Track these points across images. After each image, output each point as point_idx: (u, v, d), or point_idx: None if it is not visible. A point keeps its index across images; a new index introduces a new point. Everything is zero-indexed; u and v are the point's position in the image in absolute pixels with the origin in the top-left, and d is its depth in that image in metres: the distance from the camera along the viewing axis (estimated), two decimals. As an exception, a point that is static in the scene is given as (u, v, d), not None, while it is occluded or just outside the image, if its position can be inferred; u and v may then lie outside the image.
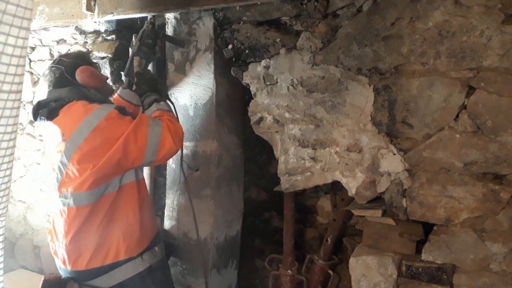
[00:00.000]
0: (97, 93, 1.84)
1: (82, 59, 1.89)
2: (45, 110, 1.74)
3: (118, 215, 1.72)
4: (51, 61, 1.86)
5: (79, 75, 1.78)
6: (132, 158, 1.68)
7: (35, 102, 1.82)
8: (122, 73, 2.02)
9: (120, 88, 1.99)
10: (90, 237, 1.68)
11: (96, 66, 1.93)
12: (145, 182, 1.95)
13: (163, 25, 2.37)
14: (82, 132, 1.64)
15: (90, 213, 1.66)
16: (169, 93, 2.38)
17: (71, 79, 1.78)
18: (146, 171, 2.38)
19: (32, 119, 1.83)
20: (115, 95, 1.98)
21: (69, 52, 2.10)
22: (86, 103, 1.73)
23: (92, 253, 1.69)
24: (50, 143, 1.76)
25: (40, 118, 1.75)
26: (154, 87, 1.99)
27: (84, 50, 2.59)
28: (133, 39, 2.09)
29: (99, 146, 1.63)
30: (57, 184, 1.69)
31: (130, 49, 2.10)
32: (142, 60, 2.01)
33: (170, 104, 2.04)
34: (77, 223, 1.67)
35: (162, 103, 1.92)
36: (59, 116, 1.73)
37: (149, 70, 2.07)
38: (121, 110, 1.74)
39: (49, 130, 1.77)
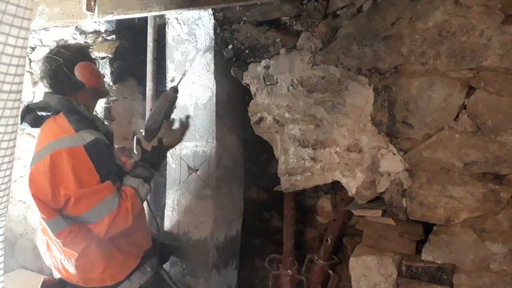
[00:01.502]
0: (85, 110, 1.66)
1: (83, 53, 1.71)
2: (31, 116, 1.62)
3: (95, 242, 1.60)
4: (48, 51, 1.69)
5: (79, 71, 1.62)
6: (66, 211, 1.53)
7: (24, 105, 1.66)
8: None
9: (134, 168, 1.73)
10: (76, 261, 1.61)
11: (95, 63, 1.78)
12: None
13: (163, 25, 2.37)
14: (40, 154, 1.52)
15: (68, 237, 1.57)
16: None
17: (69, 74, 1.62)
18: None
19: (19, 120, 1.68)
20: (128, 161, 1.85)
21: (68, 43, 1.93)
22: (68, 124, 1.56)
23: (80, 276, 1.63)
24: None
25: (24, 124, 1.63)
26: (158, 166, 1.80)
27: (83, 43, 2.55)
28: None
29: (44, 172, 1.48)
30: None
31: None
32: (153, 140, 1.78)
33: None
34: (61, 247, 1.61)
35: (146, 185, 1.69)
36: (42, 126, 1.62)
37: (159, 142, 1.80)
38: (90, 151, 1.52)
39: (35, 136, 1.67)
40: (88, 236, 1.58)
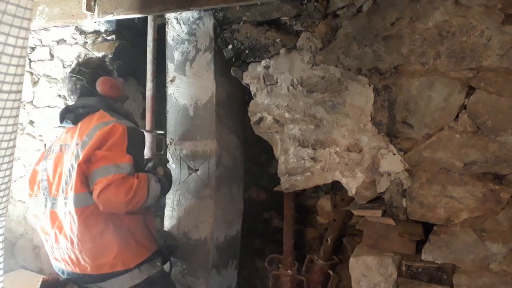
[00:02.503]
0: (122, 106, 1.95)
1: (101, 68, 1.94)
2: (72, 114, 1.83)
3: (113, 226, 1.71)
4: (70, 70, 1.94)
5: (100, 86, 1.86)
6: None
7: (63, 107, 1.92)
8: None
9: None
10: (89, 244, 1.68)
11: (113, 73, 1.98)
12: None
13: (163, 25, 2.37)
14: (90, 135, 1.70)
15: (89, 217, 1.67)
16: (169, 93, 2.39)
17: (92, 90, 1.87)
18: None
19: (58, 122, 1.90)
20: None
21: (87, 59, 2.08)
22: (109, 116, 1.79)
23: (91, 261, 1.69)
24: (66, 145, 1.80)
25: (67, 122, 1.85)
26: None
27: (100, 57, 2.60)
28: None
29: (98, 140, 1.66)
30: (65, 186, 1.70)
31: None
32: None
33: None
34: (78, 226, 1.67)
35: (158, 184, 1.80)
36: (82, 121, 1.81)
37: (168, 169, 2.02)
38: (130, 132, 1.73)
39: (67, 133, 1.84)
40: (108, 219, 1.69)
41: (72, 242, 1.70)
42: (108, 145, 1.67)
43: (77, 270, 1.73)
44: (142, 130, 1.97)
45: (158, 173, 1.88)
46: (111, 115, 1.80)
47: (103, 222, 1.69)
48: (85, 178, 1.66)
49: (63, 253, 1.75)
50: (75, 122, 1.83)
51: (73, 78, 1.89)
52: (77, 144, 1.72)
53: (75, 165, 1.66)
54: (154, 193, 1.75)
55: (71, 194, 1.66)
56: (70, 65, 2.77)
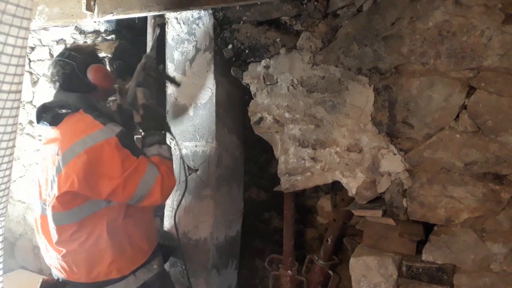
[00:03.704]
0: (105, 105, 1.79)
1: (94, 56, 1.79)
2: (49, 114, 1.64)
3: (108, 234, 1.62)
4: (58, 54, 1.74)
5: (92, 73, 1.69)
6: (115, 197, 1.60)
7: (39, 103, 1.71)
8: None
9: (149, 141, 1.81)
10: (81, 255, 1.62)
11: (104, 63, 1.86)
12: None
13: (163, 25, 2.37)
14: (74, 151, 1.54)
15: (77, 231, 1.59)
16: (169, 93, 2.38)
17: (82, 77, 1.68)
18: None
19: (35, 120, 1.75)
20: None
21: (77, 45, 1.97)
22: (92, 119, 1.61)
23: (85, 270, 1.63)
24: (47, 152, 1.66)
25: (43, 122, 1.66)
26: (160, 124, 1.86)
27: (90, 44, 2.54)
28: (138, 68, 1.94)
29: (83, 169, 1.51)
30: (49, 198, 1.61)
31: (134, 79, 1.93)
32: (146, 91, 1.85)
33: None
34: (65, 240, 1.61)
35: (164, 146, 1.79)
36: (62, 123, 1.63)
37: (156, 103, 1.89)
38: (122, 140, 1.60)
39: (48, 135, 1.68)
40: (101, 226, 1.61)
41: (61, 253, 1.63)
42: (120, 166, 1.55)
43: (71, 279, 1.68)
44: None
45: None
46: (94, 116, 1.62)
47: (96, 231, 1.61)
48: (71, 197, 1.54)
49: (54, 261, 1.69)
50: (52, 123, 1.64)
51: (61, 62, 1.67)
52: (57, 154, 1.57)
53: (56, 178, 1.55)
54: (170, 153, 1.81)
55: (49, 211, 1.58)
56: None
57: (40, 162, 1.76)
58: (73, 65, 1.67)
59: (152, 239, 1.85)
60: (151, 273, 1.78)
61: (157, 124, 1.84)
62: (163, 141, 1.81)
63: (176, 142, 2.11)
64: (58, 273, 1.73)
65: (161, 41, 2.05)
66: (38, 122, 1.69)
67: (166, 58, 2.39)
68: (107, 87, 1.77)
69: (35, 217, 1.76)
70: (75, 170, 1.51)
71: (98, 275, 1.65)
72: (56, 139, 1.62)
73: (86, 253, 1.62)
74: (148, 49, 2.20)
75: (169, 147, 1.84)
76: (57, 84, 1.71)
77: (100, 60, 1.83)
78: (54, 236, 1.62)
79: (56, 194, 1.55)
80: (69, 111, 1.64)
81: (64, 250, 1.62)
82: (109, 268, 1.64)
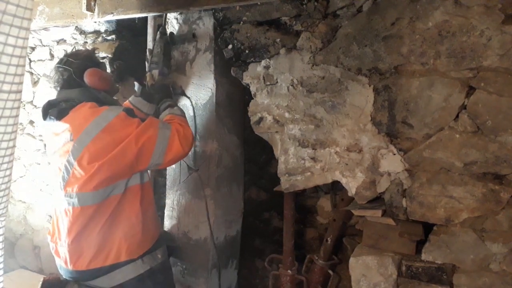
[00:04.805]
0: (107, 95, 1.87)
1: (90, 60, 1.89)
2: (55, 109, 1.75)
3: (122, 217, 1.73)
4: (58, 61, 1.86)
5: (88, 77, 1.80)
6: (138, 159, 1.69)
7: (44, 102, 1.81)
8: (136, 83, 2.10)
9: (133, 96, 2.06)
10: (93, 237, 1.69)
11: (103, 66, 1.94)
12: (150, 185, 1.94)
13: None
14: (90, 133, 1.65)
15: (94, 213, 1.67)
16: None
17: (80, 81, 1.80)
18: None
19: (40, 119, 1.84)
20: (127, 101, 2.05)
21: (75, 51, 2.09)
22: (95, 104, 1.75)
23: (94, 253, 1.70)
24: (57, 142, 1.75)
25: (50, 118, 1.76)
26: (168, 93, 2.10)
27: (89, 49, 2.57)
28: (147, 54, 2.18)
29: (105, 147, 1.64)
30: (63, 183, 1.70)
31: (146, 63, 2.22)
32: (154, 71, 2.11)
33: (188, 103, 2.19)
34: (80, 222, 1.68)
35: (175, 108, 1.98)
36: (68, 116, 1.73)
37: (160, 78, 2.13)
38: (129, 112, 1.76)
39: (56, 129, 1.76)
40: (117, 208, 1.70)
41: (74, 235, 1.69)
42: (132, 131, 1.68)
43: (75, 268, 1.72)
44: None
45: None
46: (98, 104, 1.77)
47: (112, 214, 1.69)
48: (100, 178, 1.63)
49: (63, 249, 1.75)
50: (59, 117, 1.75)
51: (60, 69, 1.81)
52: (71, 140, 1.68)
53: (74, 163, 1.65)
54: (182, 111, 2.02)
55: (74, 192, 1.65)
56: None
57: (52, 158, 1.81)
58: (70, 71, 1.79)
59: (158, 226, 1.95)
60: (156, 262, 1.85)
61: (165, 94, 2.07)
62: (173, 104, 2.01)
63: (191, 101, 2.25)
64: (62, 264, 1.77)
65: (166, 48, 2.22)
66: (44, 118, 1.79)
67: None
68: (105, 88, 1.86)
69: (54, 208, 1.81)
70: (97, 151, 1.63)
71: (107, 258, 1.70)
72: (65, 130, 1.72)
73: (100, 235, 1.68)
74: (150, 45, 2.29)
75: (180, 108, 2.03)
76: (59, 89, 1.84)
77: (98, 63, 1.91)
78: (73, 218, 1.68)
79: (85, 176, 1.63)
80: (73, 103, 1.75)
81: (77, 232, 1.68)
82: (119, 251, 1.71)
